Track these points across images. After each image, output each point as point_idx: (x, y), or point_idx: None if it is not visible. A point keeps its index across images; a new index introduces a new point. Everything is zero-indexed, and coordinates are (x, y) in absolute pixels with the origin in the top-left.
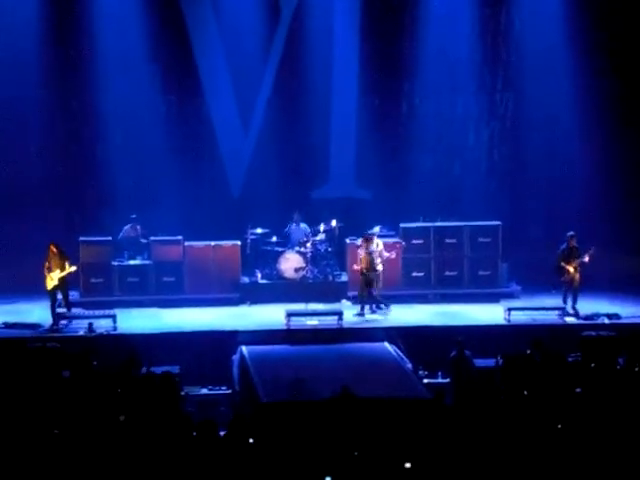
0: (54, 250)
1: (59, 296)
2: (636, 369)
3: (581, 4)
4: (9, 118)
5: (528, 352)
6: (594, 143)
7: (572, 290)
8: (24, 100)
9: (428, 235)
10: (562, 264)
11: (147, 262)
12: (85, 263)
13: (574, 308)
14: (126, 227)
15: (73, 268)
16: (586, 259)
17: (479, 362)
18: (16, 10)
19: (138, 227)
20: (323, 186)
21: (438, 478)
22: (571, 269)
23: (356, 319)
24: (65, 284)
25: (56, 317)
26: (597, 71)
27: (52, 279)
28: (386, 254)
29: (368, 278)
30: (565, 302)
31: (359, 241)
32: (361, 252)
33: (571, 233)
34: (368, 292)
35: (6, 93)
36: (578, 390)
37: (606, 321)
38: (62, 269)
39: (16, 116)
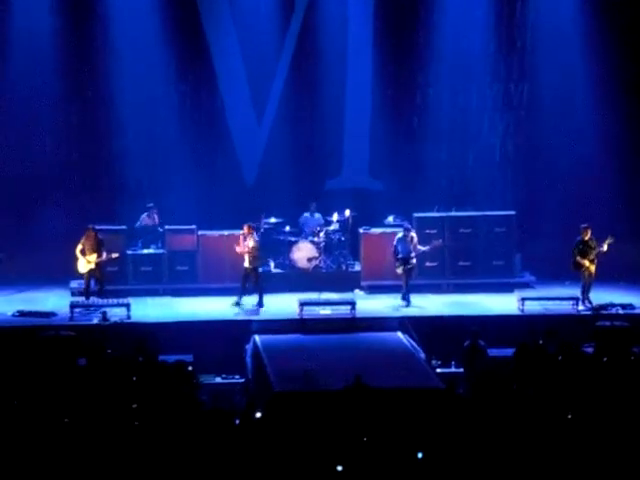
0: (91, 235)
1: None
2: None
3: None
4: (25, 107)
5: (540, 342)
6: (611, 132)
7: (587, 282)
8: (39, 89)
9: (442, 225)
10: (578, 259)
11: (161, 251)
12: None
13: (587, 298)
14: (143, 215)
15: (115, 255)
16: (604, 248)
17: (493, 352)
18: (31, 5)
19: (155, 216)
20: (337, 176)
21: (451, 468)
22: (586, 262)
23: (237, 310)
24: (101, 269)
25: (89, 295)
26: (614, 60)
27: (89, 262)
28: (421, 247)
29: (246, 271)
30: (583, 294)
31: (245, 229)
32: (248, 242)
33: (584, 225)
34: (245, 284)
35: (22, 83)
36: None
37: (620, 311)
38: (98, 254)
39: (31, 105)
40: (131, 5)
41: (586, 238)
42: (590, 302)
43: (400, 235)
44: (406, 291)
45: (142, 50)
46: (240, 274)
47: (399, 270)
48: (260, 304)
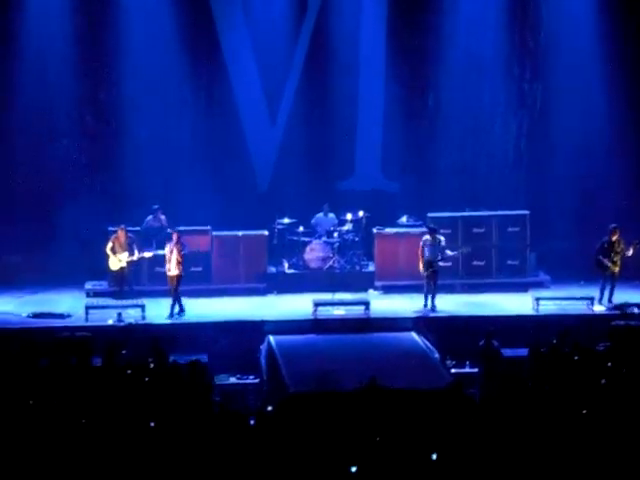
0: (122, 234)
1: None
2: None
3: None
4: (38, 110)
5: (554, 342)
6: (625, 132)
7: (610, 283)
8: (52, 91)
9: (456, 225)
10: (600, 258)
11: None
12: (107, 256)
13: (610, 301)
14: (148, 217)
15: (148, 254)
16: (630, 252)
17: (508, 352)
18: (44, 4)
19: (162, 217)
20: (350, 177)
21: (465, 469)
22: (609, 263)
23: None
24: (129, 269)
25: (124, 289)
26: (628, 59)
27: (120, 260)
28: (449, 252)
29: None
30: (602, 294)
31: (174, 236)
32: (176, 248)
33: (613, 225)
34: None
35: (35, 85)
36: (604, 381)
37: (636, 311)
38: (130, 253)
39: (44, 108)
40: (144, 8)
41: (614, 239)
42: (611, 302)
43: (427, 237)
44: (431, 295)
45: (155, 53)
46: (254, 275)
47: (425, 274)
48: (172, 313)
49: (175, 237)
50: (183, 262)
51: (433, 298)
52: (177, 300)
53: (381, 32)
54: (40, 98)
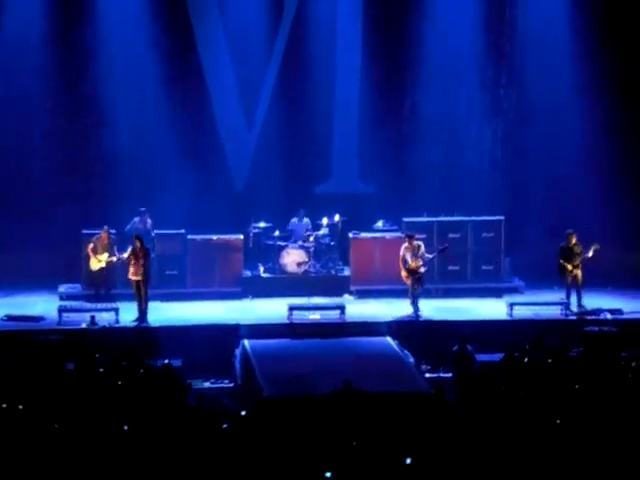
0: (105, 235)
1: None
2: (633, 364)
3: None
4: (13, 112)
5: (527, 347)
6: (598, 139)
7: (576, 288)
8: (28, 91)
9: (431, 230)
10: (561, 262)
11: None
12: (88, 256)
13: (580, 305)
14: (135, 219)
15: (124, 255)
16: (590, 254)
17: (482, 357)
18: (21, 3)
19: (148, 220)
20: (326, 181)
21: (439, 473)
22: (570, 267)
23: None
24: (109, 270)
25: (100, 292)
26: (602, 66)
27: (100, 261)
28: (428, 255)
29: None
30: (568, 299)
31: (137, 242)
32: (141, 252)
33: (570, 231)
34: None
35: (11, 85)
36: (578, 386)
37: (609, 316)
38: (110, 254)
39: (20, 110)
40: (120, 9)
41: (571, 244)
42: (584, 308)
43: (406, 245)
44: (416, 300)
45: (132, 54)
46: (229, 279)
47: (408, 281)
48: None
49: (139, 242)
50: (148, 266)
51: (417, 303)
52: (140, 304)
53: (357, 36)
54: (14, 97)
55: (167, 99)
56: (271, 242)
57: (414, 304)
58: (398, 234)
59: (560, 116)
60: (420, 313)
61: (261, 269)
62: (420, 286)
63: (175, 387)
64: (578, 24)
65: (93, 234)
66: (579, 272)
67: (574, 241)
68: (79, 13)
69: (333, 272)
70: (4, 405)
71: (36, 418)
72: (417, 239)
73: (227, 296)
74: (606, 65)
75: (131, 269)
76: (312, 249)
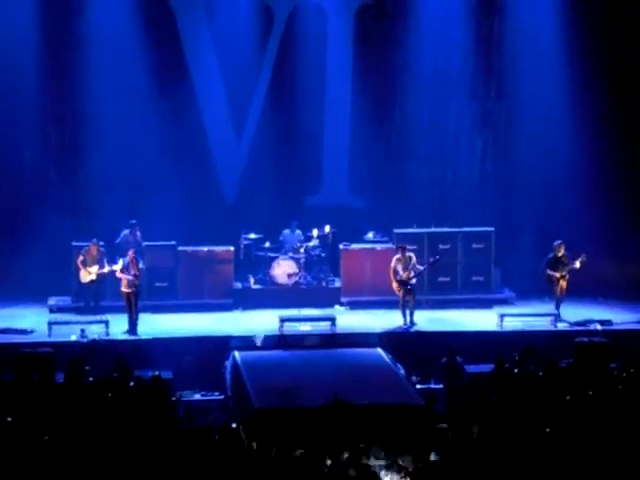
0: (94, 247)
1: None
2: (624, 375)
3: (574, 13)
4: (1, 126)
5: (517, 358)
6: (587, 151)
7: (556, 297)
8: (17, 107)
9: (422, 241)
10: (548, 272)
11: (140, 267)
12: (77, 268)
13: (558, 315)
14: (125, 232)
15: (115, 267)
16: (577, 265)
17: (472, 368)
18: (9, 16)
19: (138, 233)
20: (316, 193)
21: None
22: (558, 276)
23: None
24: (99, 282)
25: (90, 304)
26: (591, 80)
27: (90, 273)
28: (419, 267)
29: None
30: (557, 309)
31: (130, 254)
32: (134, 266)
33: (558, 242)
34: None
35: None
36: (568, 397)
37: (598, 327)
38: (100, 266)
39: (8, 122)
40: (109, 23)
41: (559, 255)
42: (559, 316)
43: (398, 256)
44: (409, 311)
45: (121, 67)
46: (220, 291)
47: (399, 292)
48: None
49: (132, 254)
50: (137, 279)
51: (412, 314)
52: (131, 317)
53: (347, 50)
54: (3, 111)
55: (157, 112)
56: (262, 253)
57: (409, 315)
58: (389, 245)
59: (549, 128)
60: (414, 325)
61: (252, 280)
62: (412, 297)
63: (165, 399)
64: (567, 37)
65: (83, 247)
66: (564, 283)
67: (562, 252)
68: (67, 27)
69: (324, 283)
70: None
71: (26, 431)
72: (408, 250)
73: (218, 308)
74: (595, 77)
75: (123, 282)
76: (303, 260)
